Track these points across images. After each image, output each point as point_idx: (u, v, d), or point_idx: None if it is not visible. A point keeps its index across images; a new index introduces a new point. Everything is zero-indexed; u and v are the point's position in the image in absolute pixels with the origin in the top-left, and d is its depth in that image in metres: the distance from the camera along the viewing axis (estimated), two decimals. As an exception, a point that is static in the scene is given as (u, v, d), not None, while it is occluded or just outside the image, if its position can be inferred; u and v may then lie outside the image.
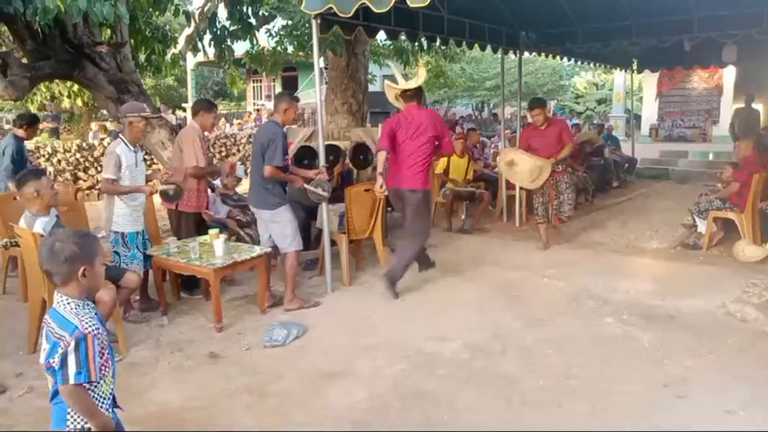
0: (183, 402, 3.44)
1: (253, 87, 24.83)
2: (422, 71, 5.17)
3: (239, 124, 18.20)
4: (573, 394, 3.42)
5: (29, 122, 6.20)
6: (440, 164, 7.91)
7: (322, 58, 8.87)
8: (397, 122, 4.95)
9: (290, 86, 22.84)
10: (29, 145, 8.47)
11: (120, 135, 4.49)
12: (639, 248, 6.65)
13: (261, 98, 24.08)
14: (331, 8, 4.66)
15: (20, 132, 6.06)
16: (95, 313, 1.97)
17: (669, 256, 6.32)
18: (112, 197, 4.40)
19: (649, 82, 16.45)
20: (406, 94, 4.96)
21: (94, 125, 14.56)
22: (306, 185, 4.77)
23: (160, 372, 3.83)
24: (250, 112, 21.44)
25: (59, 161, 10.47)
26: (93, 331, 1.86)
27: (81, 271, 1.90)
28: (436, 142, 4.97)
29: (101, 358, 1.88)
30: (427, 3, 4.41)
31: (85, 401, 1.87)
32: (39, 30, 5.61)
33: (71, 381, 1.82)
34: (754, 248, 5.97)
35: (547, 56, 9.36)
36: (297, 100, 4.96)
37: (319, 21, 4.89)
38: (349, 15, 4.67)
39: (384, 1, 4.39)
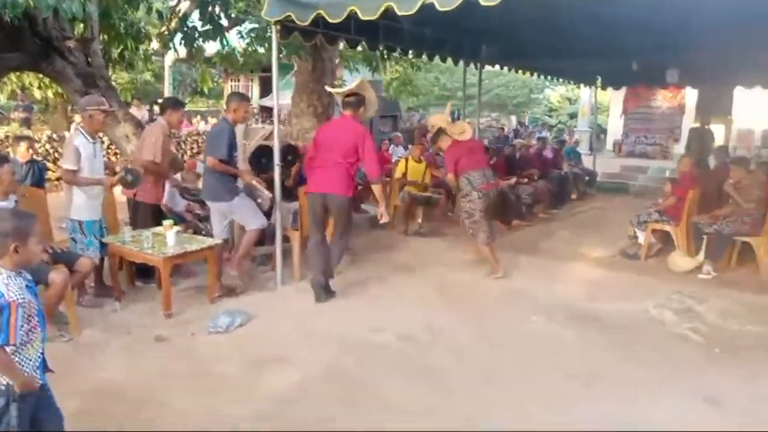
0: (126, 379, 3.67)
1: (231, 86, 24.91)
2: (362, 82, 5.15)
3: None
4: (492, 382, 3.72)
5: None
6: (398, 169, 8.22)
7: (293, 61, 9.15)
8: (324, 129, 5.06)
9: (268, 86, 23.00)
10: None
11: (79, 126, 4.70)
12: (583, 256, 6.98)
13: (239, 98, 24.17)
14: (290, 16, 4.92)
15: None
16: (26, 285, 2.20)
17: (608, 264, 6.65)
18: (71, 187, 4.60)
19: (616, 99, 16.97)
20: (344, 101, 5.07)
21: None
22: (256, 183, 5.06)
23: (109, 353, 4.05)
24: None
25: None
26: (18, 299, 2.11)
27: (13, 247, 2.14)
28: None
29: (28, 324, 2.13)
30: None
31: (4, 361, 2.11)
32: (9, 22, 5.76)
33: None
34: (685, 259, 6.33)
35: (509, 69, 9.72)
36: (247, 99, 5.24)
37: (278, 27, 5.15)
38: (307, 23, 4.93)
39: (338, 13, 4.68)
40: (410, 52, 7.24)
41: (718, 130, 13.62)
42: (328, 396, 3.51)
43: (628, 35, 6.92)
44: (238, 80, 24.14)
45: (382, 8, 4.42)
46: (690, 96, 15.62)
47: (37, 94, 12.06)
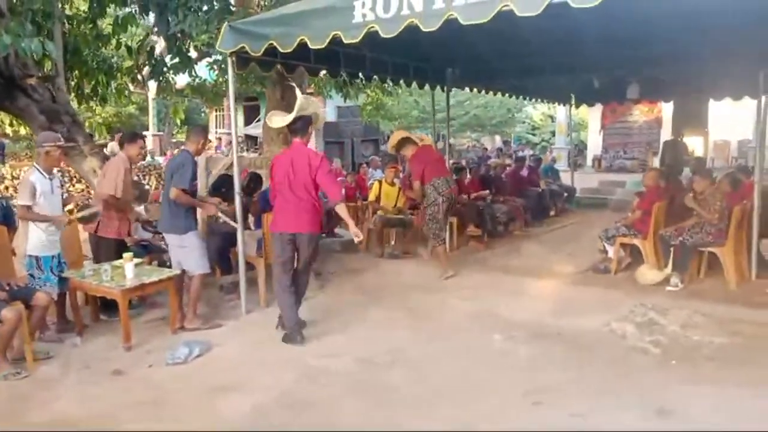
0: (81, 411, 3.67)
1: (216, 116, 25.12)
2: (304, 101, 4.79)
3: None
4: (445, 399, 3.74)
5: None
6: (372, 192, 8.28)
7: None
8: (278, 160, 4.79)
9: (252, 115, 23.27)
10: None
11: (35, 164, 4.73)
12: (554, 272, 6.99)
13: (223, 127, 24.41)
14: (243, 47, 5.00)
15: None
16: None
17: (578, 279, 6.67)
18: (28, 222, 4.62)
19: (594, 115, 17.19)
20: (290, 129, 4.80)
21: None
22: (220, 214, 5.05)
23: (65, 386, 4.04)
24: (211, 140, 21.68)
25: (6, 188, 10.58)
26: None
27: None
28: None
29: None
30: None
31: None
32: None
33: None
34: (653, 272, 6.36)
35: (479, 91, 9.84)
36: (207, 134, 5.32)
37: (234, 59, 5.22)
38: (260, 54, 5.01)
39: (289, 42, 4.76)
40: (374, 78, 7.32)
41: (695, 143, 13.83)
42: (281, 420, 3.51)
43: (595, 52, 7.05)
44: (222, 110, 24.33)
45: (330, 36, 4.51)
46: (666, 109, 15.84)
47: (9, 130, 12.11)
